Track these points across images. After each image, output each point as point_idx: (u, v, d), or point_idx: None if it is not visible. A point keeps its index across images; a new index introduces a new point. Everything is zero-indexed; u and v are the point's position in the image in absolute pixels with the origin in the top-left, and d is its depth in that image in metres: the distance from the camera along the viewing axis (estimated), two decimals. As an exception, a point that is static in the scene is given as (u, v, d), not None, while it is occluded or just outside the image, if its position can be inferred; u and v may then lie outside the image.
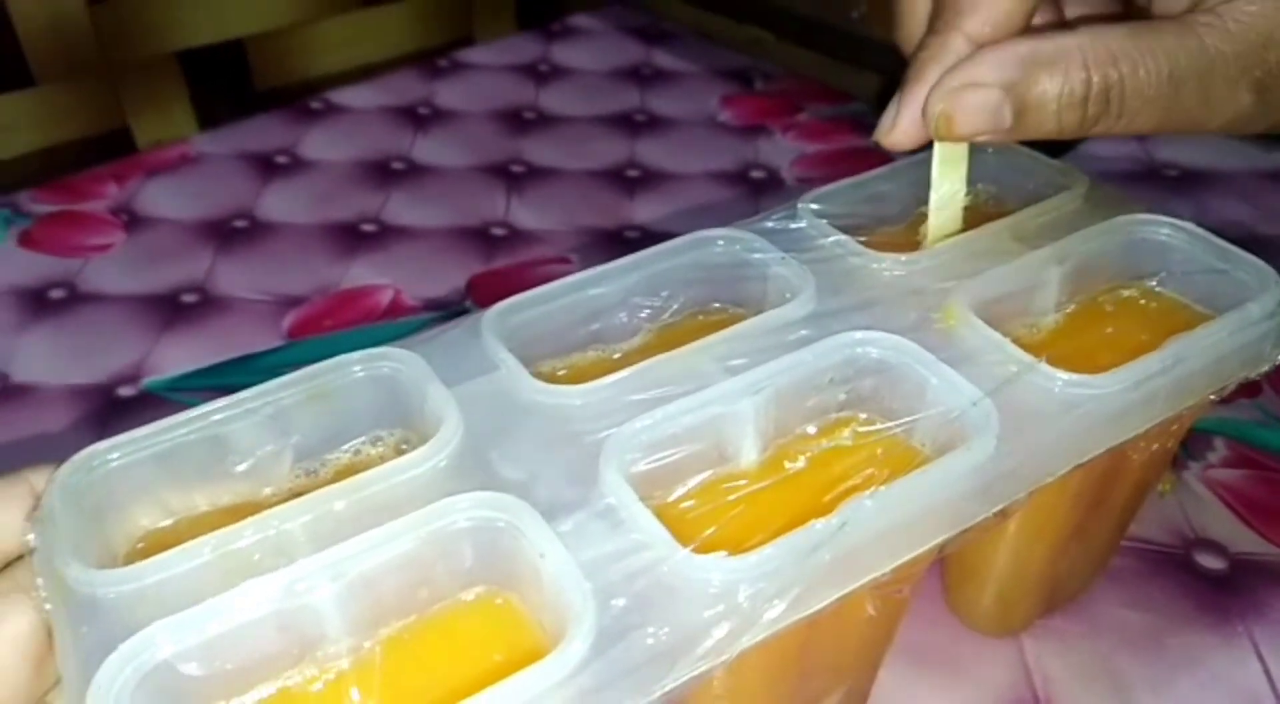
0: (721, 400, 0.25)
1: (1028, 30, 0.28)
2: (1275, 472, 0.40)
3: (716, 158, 0.62)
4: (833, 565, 0.22)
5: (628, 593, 0.21)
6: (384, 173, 0.61)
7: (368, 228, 0.57)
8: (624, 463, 0.24)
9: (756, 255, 0.30)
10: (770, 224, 0.31)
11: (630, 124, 0.66)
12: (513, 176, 0.61)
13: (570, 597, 0.21)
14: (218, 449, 0.25)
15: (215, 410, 0.25)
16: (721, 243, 0.30)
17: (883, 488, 0.23)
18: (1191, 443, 0.41)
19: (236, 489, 0.26)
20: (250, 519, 0.22)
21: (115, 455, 0.24)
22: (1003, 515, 0.25)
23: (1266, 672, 0.33)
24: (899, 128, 0.29)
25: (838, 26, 0.68)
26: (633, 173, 0.61)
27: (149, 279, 0.53)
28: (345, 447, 0.27)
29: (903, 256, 0.30)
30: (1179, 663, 0.34)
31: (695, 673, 0.21)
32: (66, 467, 0.24)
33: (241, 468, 0.25)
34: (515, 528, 0.22)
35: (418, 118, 0.67)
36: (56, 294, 0.52)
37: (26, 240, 0.56)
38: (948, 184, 0.30)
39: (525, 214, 0.58)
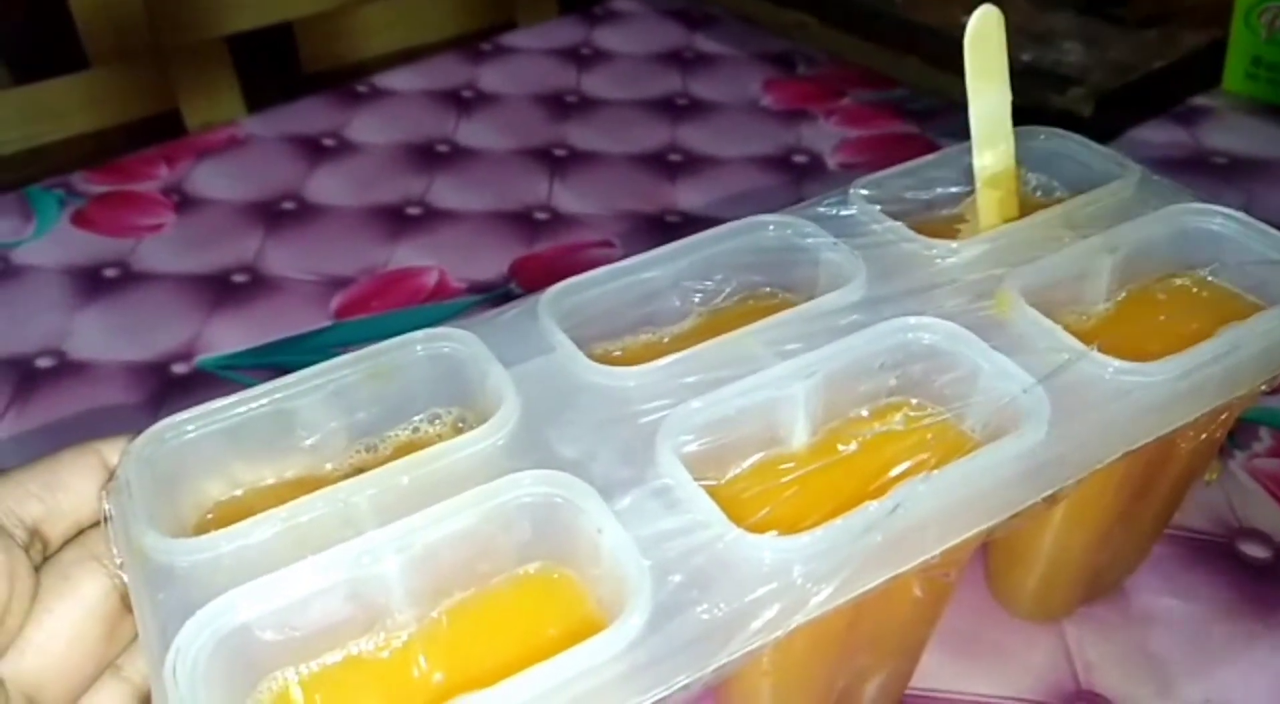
0: (774, 384, 0.26)
1: None
2: (1322, 463, 0.40)
3: (758, 142, 0.62)
4: (884, 547, 0.22)
5: (684, 570, 0.22)
6: (428, 156, 0.62)
7: (413, 210, 0.57)
8: (678, 443, 0.24)
9: (808, 240, 0.30)
10: (822, 209, 0.32)
11: (672, 108, 0.66)
12: (555, 160, 0.61)
13: (627, 571, 0.21)
14: (284, 424, 0.26)
15: (282, 387, 0.26)
16: (773, 228, 0.31)
17: (936, 472, 0.23)
18: (1238, 432, 0.41)
19: (300, 463, 0.27)
20: (319, 492, 0.23)
21: (190, 428, 0.25)
22: (1051, 501, 0.25)
23: (1310, 662, 0.33)
24: None
25: (882, 10, 0.67)
26: (674, 157, 0.61)
27: (200, 259, 0.54)
28: (405, 424, 0.28)
29: (954, 243, 0.30)
30: (1221, 652, 0.34)
31: (749, 649, 0.21)
32: (142, 438, 0.25)
33: (307, 443, 0.26)
34: (574, 505, 0.23)
35: (461, 101, 0.67)
36: (110, 273, 0.53)
37: (80, 220, 0.57)
38: (990, 153, 0.30)
39: (567, 198, 0.58)
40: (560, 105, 0.67)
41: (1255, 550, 0.37)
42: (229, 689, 0.21)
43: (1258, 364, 0.27)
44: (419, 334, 0.27)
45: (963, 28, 0.30)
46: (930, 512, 0.23)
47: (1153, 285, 0.31)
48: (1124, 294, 0.30)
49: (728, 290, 0.30)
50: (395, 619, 0.23)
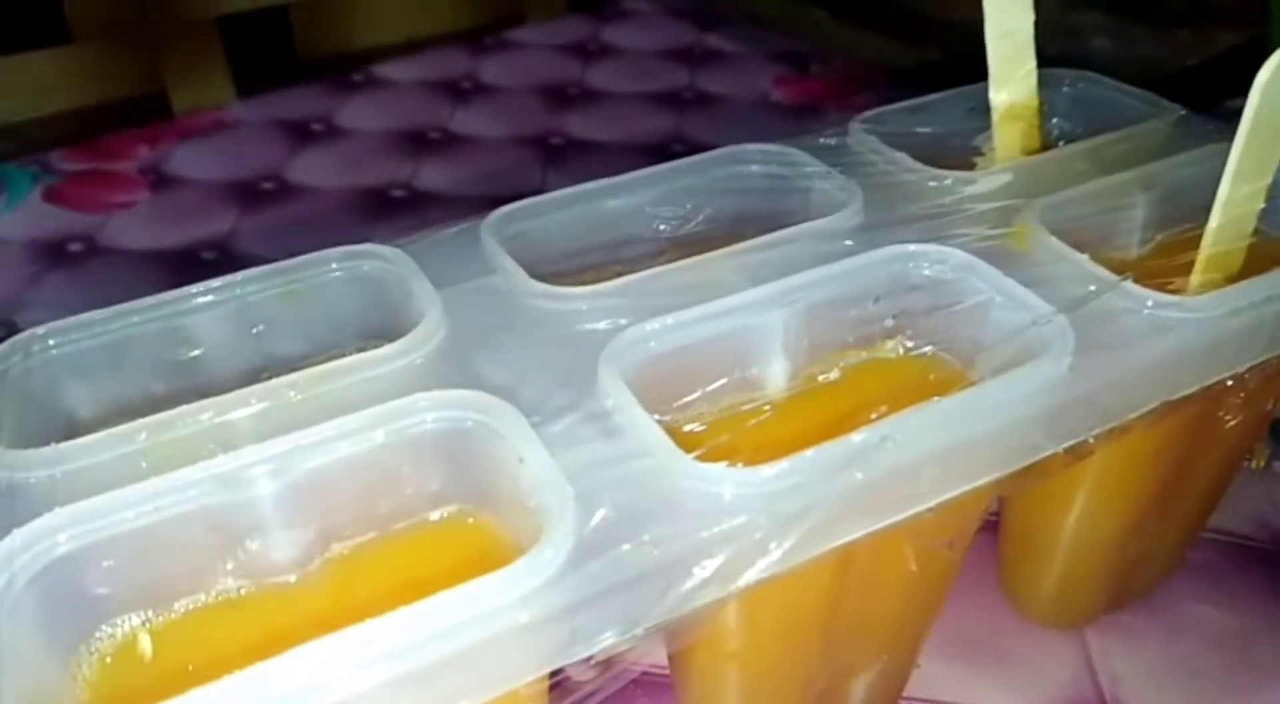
0: (746, 310, 0.22)
1: None
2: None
3: (763, 135, 0.58)
4: (866, 489, 0.18)
5: (616, 501, 0.18)
6: (419, 141, 0.59)
7: (397, 193, 0.54)
8: (626, 368, 0.20)
9: (799, 169, 0.27)
10: (820, 141, 0.28)
11: (677, 101, 0.63)
12: (551, 148, 0.58)
13: (549, 503, 0.17)
14: (174, 341, 0.22)
15: (174, 299, 0.22)
16: (759, 156, 0.27)
17: (934, 401, 0.19)
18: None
19: (195, 388, 0.23)
20: (192, 405, 0.19)
21: (53, 342, 0.21)
22: (1073, 455, 0.21)
23: (1375, 684, 0.29)
24: None
25: (904, 6, 0.65)
26: (677, 147, 0.58)
27: (170, 236, 0.51)
28: (324, 356, 0.24)
29: (966, 173, 0.26)
30: (1266, 670, 0.29)
31: (694, 605, 0.17)
32: (4, 347, 0.21)
33: (198, 360, 0.22)
34: (491, 430, 0.19)
35: (459, 91, 0.65)
36: (74, 248, 0.50)
37: (52, 195, 0.54)
38: (1009, 83, 0.26)
39: (561, 185, 0.55)
40: (561, 96, 0.64)
41: (1308, 559, 0.32)
42: (54, 631, 0.17)
43: (1320, 311, 0.23)
44: (336, 251, 0.24)
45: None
46: (926, 450, 0.19)
47: (1196, 231, 0.27)
48: (1160, 238, 0.27)
49: (700, 217, 0.27)
50: (270, 560, 0.19)
